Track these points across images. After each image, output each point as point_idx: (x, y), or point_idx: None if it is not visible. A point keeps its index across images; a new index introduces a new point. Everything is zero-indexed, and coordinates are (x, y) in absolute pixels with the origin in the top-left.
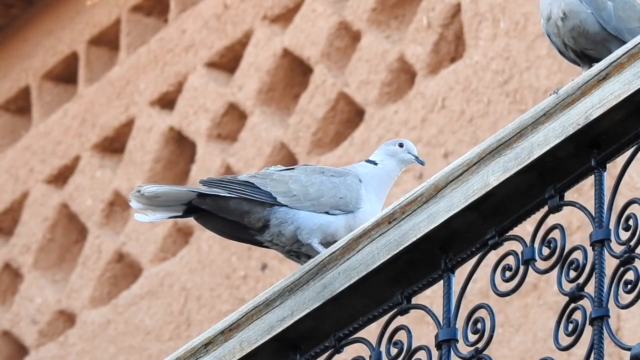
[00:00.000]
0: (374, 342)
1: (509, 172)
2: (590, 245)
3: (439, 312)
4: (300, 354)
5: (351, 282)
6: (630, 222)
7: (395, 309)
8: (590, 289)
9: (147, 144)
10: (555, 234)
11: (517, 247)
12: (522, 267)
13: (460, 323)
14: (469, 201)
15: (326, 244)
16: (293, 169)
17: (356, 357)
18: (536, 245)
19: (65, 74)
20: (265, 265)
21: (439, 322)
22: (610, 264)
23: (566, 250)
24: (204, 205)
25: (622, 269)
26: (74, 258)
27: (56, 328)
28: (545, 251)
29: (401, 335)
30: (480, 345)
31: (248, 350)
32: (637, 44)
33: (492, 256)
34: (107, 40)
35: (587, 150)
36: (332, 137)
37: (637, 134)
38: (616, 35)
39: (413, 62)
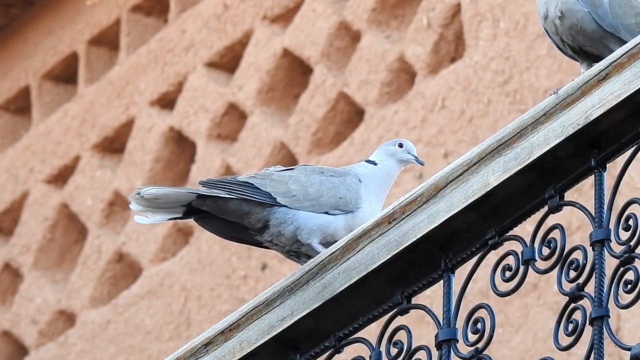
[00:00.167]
0: (374, 342)
1: (509, 172)
2: (590, 245)
3: (439, 312)
4: (300, 354)
5: (351, 282)
6: (630, 222)
7: (395, 309)
8: (590, 289)
9: (147, 144)
10: (555, 234)
11: (517, 247)
12: (522, 267)
13: (460, 323)
14: (469, 201)
15: (326, 244)
16: (293, 169)
17: (356, 357)
18: (536, 245)
19: (65, 74)
20: (265, 265)
21: (439, 322)
22: (610, 264)
23: (566, 250)
24: (204, 207)
25: (622, 269)
26: (74, 258)
27: (56, 328)
28: (545, 251)
29: (401, 335)
30: (480, 345)
31: (248, 350)
32: (637, 44)
33: (492, 256)
34: (107, 40)
35: (587, 150)
36: (332, 137)
37: (637, 134)
38: (612, 33)
39: (413, 62)
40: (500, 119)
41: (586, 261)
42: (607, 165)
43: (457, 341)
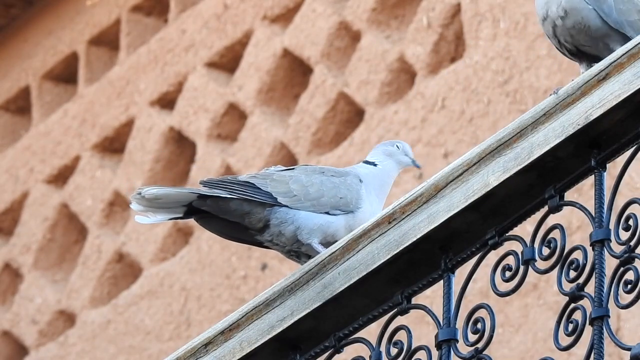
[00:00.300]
0: (374, 342)
1: (509, 172)
2: (590, 245)
3: (439, 312)
4: (300, 354)
5: (351, 282)
6: (630, 222)
7: (395, 309)
8: (590, 289)
9: (147, 144)
10: (555, 234)
11: (517, 247)
12: (522, 267)
13: (460, 323)
14: (469, 201)
15: (326, 244)
16: (293, 169)
17: (356, 357)
18: (536, 245)
19: (65, 74)
20: (265, 265)
21: (439, 322)
22: (610, 264)
23: (566, 250)
24: (205, 207)
25: (622, 269)
26: (74, 258)
27: (56, 328)
28: (545, 251)
29: (401, 335)
30: (480, 345)
31: (248, 350)
32: (637, 44)
33: (492, 256)
34: (107, 40)
35: (587, 150)
36: (332, 137)
37: (637, 134)
38: (617, 29)
39: (413, 62)
40: (500, 119)
41: (586, 261)
42: (607, 165)
43: (457, 341)
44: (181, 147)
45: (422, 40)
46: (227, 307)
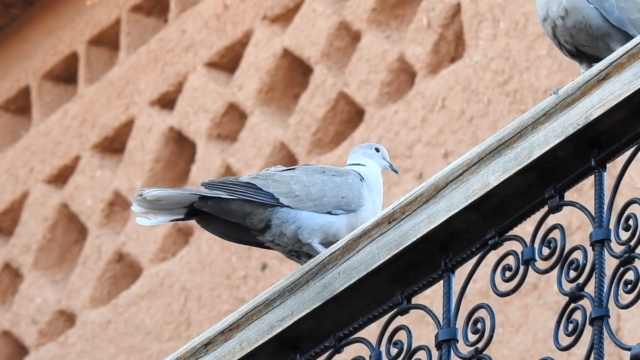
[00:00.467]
0: (374, 342)
1: (509, 172)
2: (590, 245)
3: (439, 312)
4: (300, 354)
5: (351, 282)
6: (630, 222)
7: (395, 309)
8: (590, 289)
9: (147, 144)
10: (555, 234)
11: (517, 247)
12: (522, 267)
13: (460, 323)
14: (469, 201)
15: (327, 243)
16: (294, 169)
17: (356, 357)
18: (536, 245)
19: (65, 74)
20: (265, 265)
21: (439, 322)
22: (610, 264)
23: (566, 250)
24: (206, 208)
25: (622, 269)
26: (74, 258)
27: (56, 328)
28: (545, 251)
29: (401, 335)
30: (480, 345)
31: (248, 350)
32: (637, 44)
33: (492, 256)
34: (107, 40)
35: (587, 150)
36: (332, 137)
37: (637, 134)
38: (618, 27)
39: (413, 62)
40: (500, 119)
41: (586, 261)
42: (607, 165)
43: (457, 341)
44: (181, 147)
45: (422, 40)
46: (227, 307)
